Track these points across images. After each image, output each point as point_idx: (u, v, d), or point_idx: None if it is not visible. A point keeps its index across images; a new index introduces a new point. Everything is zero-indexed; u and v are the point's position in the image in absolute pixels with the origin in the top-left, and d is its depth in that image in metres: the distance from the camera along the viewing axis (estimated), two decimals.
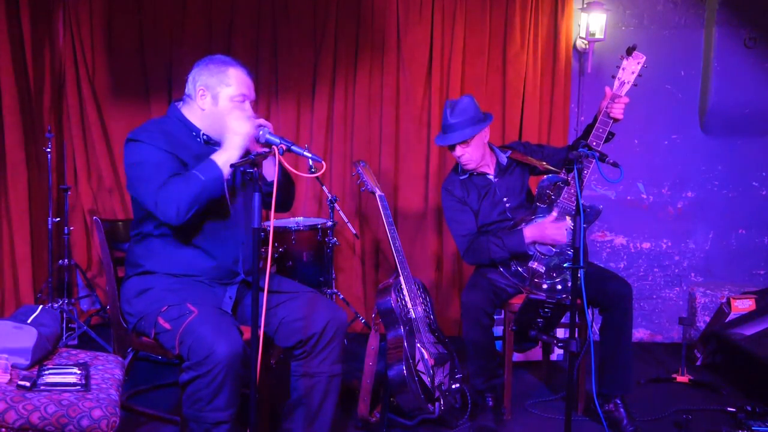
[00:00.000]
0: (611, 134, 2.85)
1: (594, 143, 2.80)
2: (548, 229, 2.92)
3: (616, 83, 2.81)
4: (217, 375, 2.05)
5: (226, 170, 2.21)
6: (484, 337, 2.91)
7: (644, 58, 2.79)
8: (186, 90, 2.39)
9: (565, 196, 2.90)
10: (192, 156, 2.30)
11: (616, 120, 2.81)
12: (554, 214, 2.93)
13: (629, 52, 2.79)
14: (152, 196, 2.19)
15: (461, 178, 3.15)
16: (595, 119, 2.86)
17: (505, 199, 3.10)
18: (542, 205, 2.98)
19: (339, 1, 4.16)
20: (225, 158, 2.21)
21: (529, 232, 2.94)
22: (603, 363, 2.95)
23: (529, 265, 2.95)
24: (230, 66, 2.35)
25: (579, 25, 4.16)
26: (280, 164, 2.12)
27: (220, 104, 2.33)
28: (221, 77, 2.32)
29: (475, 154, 3.04)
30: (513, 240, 2.95)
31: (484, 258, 3.02)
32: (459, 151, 3.03)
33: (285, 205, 2.57)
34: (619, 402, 2.91)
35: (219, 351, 2.04)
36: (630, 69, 2.80)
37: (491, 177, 3.13)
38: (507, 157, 3.13)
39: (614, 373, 2.94)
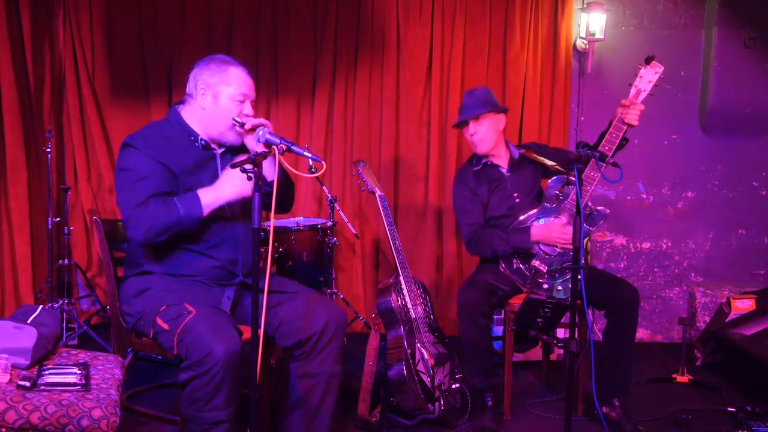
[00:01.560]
0: (625, 140, 2.86)
1: (606, 148, 2.81)
2: (555, 231, 2.93)
3: (633, 90, 2.81)
4: (215, 374, 2.05)
5: (207, 212, 2.24)
6: (480, 337, 2.91)
7: (662, 68, 2.79)
8: (187, 89, 2.39)
9: (573, 197, 2.89)
10: (187, 163, 2.30)
11: (630, 126, 2.81)
12: (564, 217, 2.93)
13: (648, 61, 2.78)
14: (128, 210, 2.20)
15: (475, 169, 3.18)
16: (610, 125, 2.87)
17: (515, 194, 3.12)
18: (550, 205, 2.99)
19: (339, 1, 4.16)
20: (211, 200, 2.24)
21: (536, 231, 2.96)
22: (604, 365, 2.95)
23: (532, 263, 2.96)
24: (231, 65, 2.35)
25: (579, 25, 4.16)
26: (280, 164, 2.12)
27: (221, 103, 2.33)
28: (222, 76, 2.33)
29: (487, 135, 3.07)
30: (519, 237, 2.97)
31: (486, 249, 3.04)
32: (472, 128, 3.07)
33: (285, 206, 2.57)
34: (617, 403, 2.91)
35: (217, 350, 2.04)
36: (647, 78, 2.79)
37: (504, 170, 3.16)
38: (520, 154, 3.15)
39: (615, 376, 2.94)
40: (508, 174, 3.15)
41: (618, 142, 2.83)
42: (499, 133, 3.12)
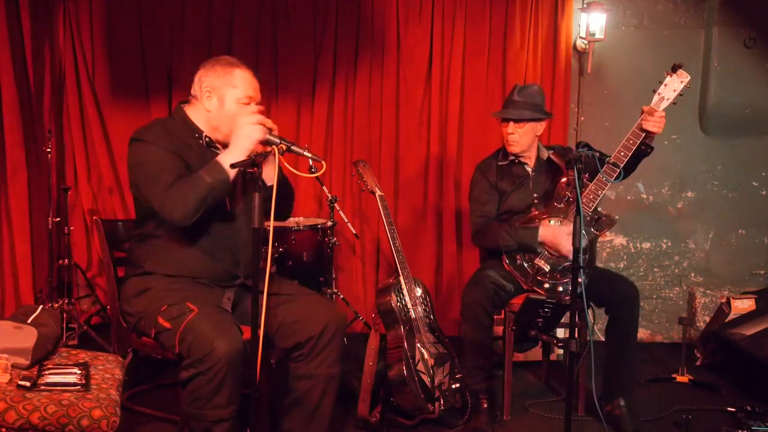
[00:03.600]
0: (650, 148, 2.84)
1: (622, 153, 2.80)
2: (563, 238, 2.91)
3: (655, 98, 2.78)
4: (217, 372, 2.05)
5: (233, 173, 2.20)
6: (482, 336, 2.91)
7: (689, 78, 2.76)
8: (192, 91, 2.39)
9: (583, 200, 2.88)
10: (194, 158, 2.30)
11: (649, 132, 2.79)
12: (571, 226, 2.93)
13: (674, 69, 2.76)
14: (158, 197, 2.18)
15: (500, 163, 3.18)
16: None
17: (535, 195, 3.12)
18: (559, 205, 2.99)
19: (339, 1, 4.16)
20: (231, 160, 2.20)
21: (544, 232, 2.96)
22: (607, 363, 2.96)
23: (535, 261, 2.97)
24: (237, 67, 2.34)
25: (579, 25, 4.15)
26: (280, 165, 2.12)
27: (226, 106, 2.33)
28: (228, 79, 2.32)
29: (524, 139, 3.06)
30: (526, 234, 2.97)
31: (491, 241, 3.04)
32: (512, 128, 3.06)
33: (283, 212, 2.56)
34: (621, 402, 2.92)
35: (219, 348, 2.04)
36: (672, 86, 2.77)
37: (529, 169, 3.16)
38: (548, 155, 3.16)
39: (618, 374, 2.95)
40: (533, 174, 3.15)
41: (634, 148, 2.79)
42: (535, 139, 3.12)
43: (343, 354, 2.42)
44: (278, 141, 2.15)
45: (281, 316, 2.36)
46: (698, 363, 3.87)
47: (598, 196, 2.84)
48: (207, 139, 2.37)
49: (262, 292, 2.12)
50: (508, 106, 3.08)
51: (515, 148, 3.09)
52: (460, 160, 4.26)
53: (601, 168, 2.80)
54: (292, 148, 2.14)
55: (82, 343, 3.71)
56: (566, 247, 2.90)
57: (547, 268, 2.96)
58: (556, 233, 2.94)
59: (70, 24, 4.08)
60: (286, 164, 2.24)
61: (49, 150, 3.70)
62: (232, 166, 2.14)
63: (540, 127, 3.10)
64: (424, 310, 2.95)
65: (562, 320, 2.86)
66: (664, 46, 4.21)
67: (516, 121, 3.03)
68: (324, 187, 3.90)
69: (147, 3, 4.10)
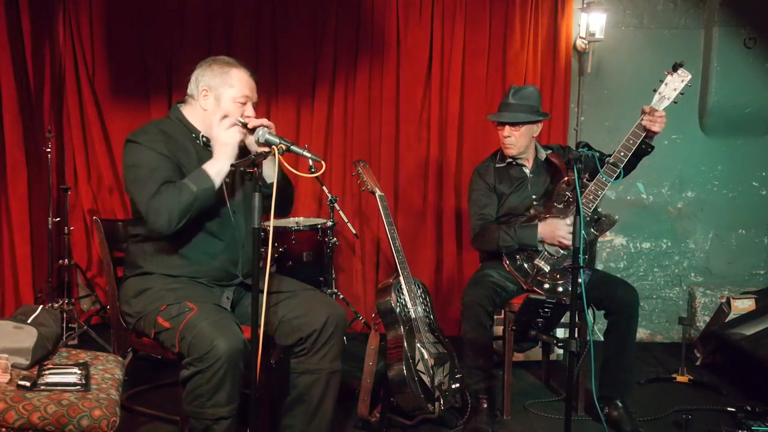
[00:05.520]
0: (649, 147, 2.83)
1: (622, 153, 2.80)
2: (561, 230, 2.92)
3: (656, 97, 2.77)
4: (218, 370, 2.05)
5: (218, 181, 2.23)
6: (482, 337, 2.91)
7: (690, 76, 2.74)
8: (188, 90, 2.39)
9: (583, 200, 2.88)
10: (190, 159, 2.31)
11: (650, 131, 2.78)
12: (571, 219, 2.93)
13: (675, 68, 2.75)
14: (144, 203, 2.20)
15: (498, 165, 3.18)
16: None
17: (533, 196, 3.12)
18: (559, 205, 2.99)
19: (339, 1, 4.16)
20: (217, 169, 2.23)
21: (542, 229, 2.96)
22: (605, 366, 2.96)
23: (535, 261, 2.97)
24: (233, 67, 2.35)
25: (579, 25, 4.16)
26: (280, 165, 2.13)
27: (223, 105, 2.33)
28: (224, 78, 2.33)
29: (520, 141, 3.06)
30: (525, 233, 2.97)
31: (492, 243, 3.04)
32: (507, 131, 3.06)
33: (284, 208, 2.56)
34: (619, 404, 2.92)
35: (220, 346, 2.05)
36: (672, 85, 2.75)
37: (527, 171, 3.16)
38: (546, 156, 3.15)
39: (616, 377, 2.95)
40: (531, 175, 3.15)
41: (634, 148, 2.79)
42: (532, 140, 3.12)
43: (343, 351, 2.42)
44: (278, 141, 2.16)
45: (281, 312, 2.36)
46: (698, 363, 3.87)
47: (598, 196, 2.84)
48: (204, 138, 2.37)
49: (262, 291, 2.12)
50: (503, 109, 3.08)
51: (512, 150, 3.09)
52: (460, 160, 4.26)
53: (601, 168, 2.80)
54: (292, 147, 2.15)
55: (82, 343, 3.71)
56: (564, 239, 2.90)
57: (547, 268, 2.96)
58: (554, 227, 2.94)
59: (70, 24, 4.08)
60: (285, 164, 2.24)
61: (49, 150, 3.70)
62: (233, 166, 2.14)
63: (536, 128, 3.10)
64: (424, 310, 2.95)
65: (562, 320, 2.86)
66: (664, 46, 4.21)
67: (512, 124, 3.03)
68: (324, 187, 3.90)
69: (147, 3, 4.11)
